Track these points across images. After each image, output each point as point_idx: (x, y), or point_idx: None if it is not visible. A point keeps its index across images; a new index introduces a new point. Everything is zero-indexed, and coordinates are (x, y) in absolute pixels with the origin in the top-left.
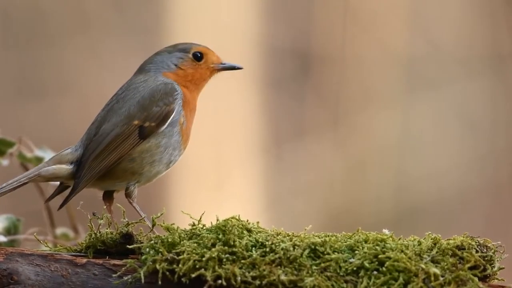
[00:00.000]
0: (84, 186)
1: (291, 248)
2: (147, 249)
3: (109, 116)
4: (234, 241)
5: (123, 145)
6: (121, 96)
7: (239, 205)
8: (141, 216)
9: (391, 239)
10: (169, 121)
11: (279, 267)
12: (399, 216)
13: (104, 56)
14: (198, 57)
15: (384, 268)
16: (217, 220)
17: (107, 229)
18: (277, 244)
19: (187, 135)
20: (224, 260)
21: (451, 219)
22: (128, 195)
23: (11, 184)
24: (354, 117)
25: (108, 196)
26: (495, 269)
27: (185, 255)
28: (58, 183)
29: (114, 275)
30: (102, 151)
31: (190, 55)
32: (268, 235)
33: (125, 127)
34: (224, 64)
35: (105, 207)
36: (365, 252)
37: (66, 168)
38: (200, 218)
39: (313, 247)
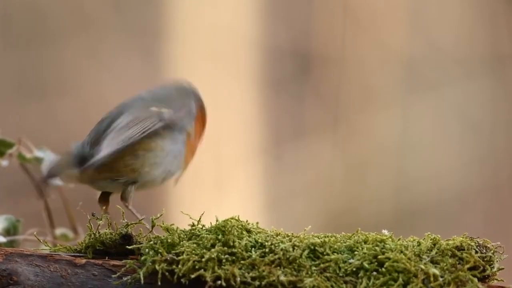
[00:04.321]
0: (109, 155)
1: (291, 249)
2: (147, 250)
3: (124, 110)
4: (233, 242)
5: (144, 122)
6: (135, 95)
7: (239, 206)
8: (138, 219)
9: (390, 239)
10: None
11: (278, 267)
12: (398, 216)
13: (103, 56)
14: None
15: (383, 269)
16: (217, 220)
17: (106, 229)
18: (276, 245)
19: (192, 152)
20: (224, 260)
21: (450, 220)
22: (124, 198)
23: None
24: (354, 117)
25: (104, 200)
26: (495, 269)
27: (184, 256)
28: (60, 182)
29: (113, 276)
30: (123, 127)
31: None
32: (268, 236)
33: (146, 112)
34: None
35: (104, 207)
36: (365, 253)
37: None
38: (200, 219)
39: (312, 247)
